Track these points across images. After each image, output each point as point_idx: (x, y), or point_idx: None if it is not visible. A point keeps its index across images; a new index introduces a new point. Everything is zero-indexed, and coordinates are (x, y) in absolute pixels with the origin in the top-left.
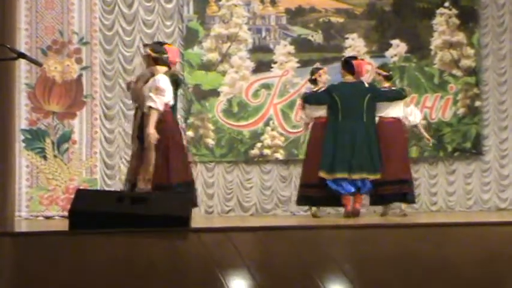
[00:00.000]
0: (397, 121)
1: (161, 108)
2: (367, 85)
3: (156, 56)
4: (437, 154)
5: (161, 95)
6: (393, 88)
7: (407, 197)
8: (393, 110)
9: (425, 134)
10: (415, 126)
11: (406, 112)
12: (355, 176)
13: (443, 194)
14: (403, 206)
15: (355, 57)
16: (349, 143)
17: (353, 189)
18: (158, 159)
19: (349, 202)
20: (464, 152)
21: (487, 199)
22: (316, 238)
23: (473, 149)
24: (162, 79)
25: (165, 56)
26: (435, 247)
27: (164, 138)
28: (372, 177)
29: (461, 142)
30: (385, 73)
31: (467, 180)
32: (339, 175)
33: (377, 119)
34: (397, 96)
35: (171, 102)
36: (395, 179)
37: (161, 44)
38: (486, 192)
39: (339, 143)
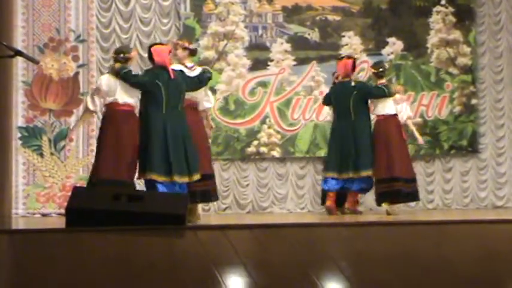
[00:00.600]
0: (389, 118)
1: (92, 108)
2: (353, 83)
3: (115, 56)
4: (433, 152)
5: (98, 95)
6: (379, 85)
7: (400, 195)
8: (383, 108)
9: (416, 134)
10: (405, 124)
11: (397, 110)
12: (343, 176)
13: (440, 191)
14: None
15: (346, 56)
16: (340, 142)
17: (337, 187)
18: (99, 155)
19: (331, 198)
20: (461, 150)
21: (483, 197)
22: (312, 236)
23: (470, 147)
24: (101, 79)
25: (121, 56)
26: (432, 245)
27: (105, 136)
28: (357, 175)
29: (457, 140)
30: (373, 71)
31: (464, 178)
32: (330, 174)
33: (375, 117)
34: (380, 93)
35: (121, 101)
36: (386, 177)
37: (151, 45)
38: (483, 190)
39: (333, 142)
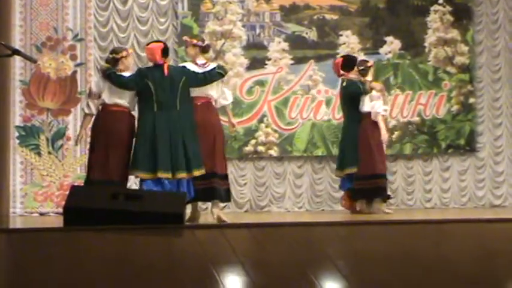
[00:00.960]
0: (368, 116)
1: (87, 111)
2: (344, 83)
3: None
4: (431, 151)
5: (91, 98)
6: (356, 82)
7: (379, 192)
8: (363, 105)
9: (384, 130)
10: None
11: (371, 106)
12: (336, 175)
13: (438, 190)
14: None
15: (340, 56)
16: (339, 141)
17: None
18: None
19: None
20: (459, 148)
21: (481, 196)
22: (310, 235)
23: (467, 146)
24: (91, 82)
25: (109, 57)
26: (431, 244)
27: (94, 138)
28: (342, 174)
29: (455, 139)
30: (356, 69)
31: (462, 177)
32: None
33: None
34: (355, 90)
35: (108, 101)
36: (361, 175)
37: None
38: (480, 189)
39: None
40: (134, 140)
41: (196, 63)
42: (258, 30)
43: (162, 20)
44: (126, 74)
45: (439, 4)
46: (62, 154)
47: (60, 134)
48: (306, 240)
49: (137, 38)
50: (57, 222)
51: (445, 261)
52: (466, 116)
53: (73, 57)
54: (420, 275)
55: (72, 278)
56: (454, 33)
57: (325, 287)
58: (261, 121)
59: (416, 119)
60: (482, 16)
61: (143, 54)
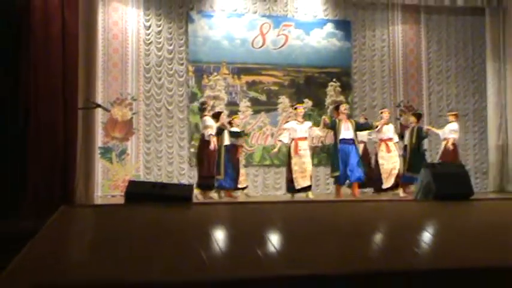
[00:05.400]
0: None
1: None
2: None
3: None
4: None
5: None
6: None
7: None
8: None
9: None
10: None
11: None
12: None
13: None
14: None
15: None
16: None
17: None
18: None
19: None
20: None
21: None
22: (262, 208)
23: None
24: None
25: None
26: (329, 213)
27: None
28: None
29: None
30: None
31: None
32: None
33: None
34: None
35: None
36: None
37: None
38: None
39: None
40: None
41: None
42: (233, 95)
43: (181, 89)
44: None
45: (333, 81)
46: (124, 163)
47: (123, 152)
48: (259, 211)
49: (167, 100)
50: (121, 200)
51: (337, 223)
52: None
53: (130, 109)
54: (323, 228)
55: (129, 230)
56: (342, 97)
57: (270, 238)
58: None
59: (320, 144)
60: (356, 88)
61: (170, 108)
